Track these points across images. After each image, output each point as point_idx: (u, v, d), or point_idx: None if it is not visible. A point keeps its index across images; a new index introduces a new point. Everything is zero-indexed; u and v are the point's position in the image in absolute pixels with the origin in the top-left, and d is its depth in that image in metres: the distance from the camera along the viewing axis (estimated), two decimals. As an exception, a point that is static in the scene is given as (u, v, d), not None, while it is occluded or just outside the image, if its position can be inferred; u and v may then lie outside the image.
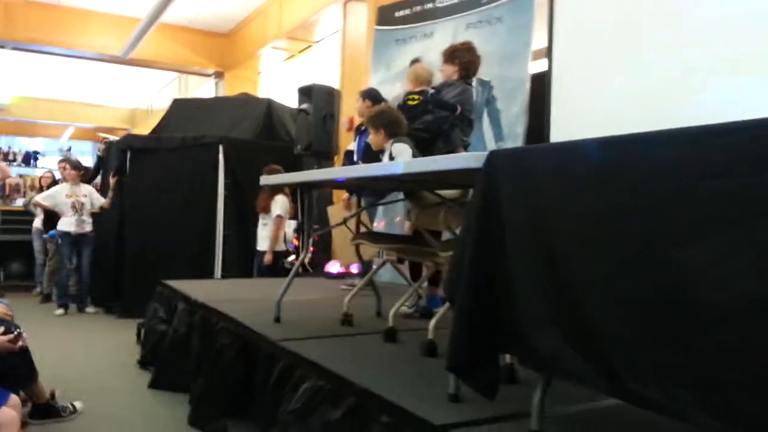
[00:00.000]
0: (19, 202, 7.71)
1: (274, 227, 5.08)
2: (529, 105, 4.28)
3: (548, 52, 4.12)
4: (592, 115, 3.49)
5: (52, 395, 2.85)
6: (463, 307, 1.64)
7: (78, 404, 2.94)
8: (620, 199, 1.32)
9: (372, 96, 4.34)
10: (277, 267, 5.08)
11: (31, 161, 11.39)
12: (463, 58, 3.65)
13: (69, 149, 12.04)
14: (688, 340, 1.15)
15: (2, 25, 8.29)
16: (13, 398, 2.00)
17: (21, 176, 9.29)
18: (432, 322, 2.37)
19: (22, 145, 14.09)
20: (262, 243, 5.20)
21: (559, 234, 1.45)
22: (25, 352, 2.52)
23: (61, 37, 8.70)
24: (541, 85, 4.17)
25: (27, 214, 7.01)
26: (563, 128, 3.61)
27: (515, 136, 4.21)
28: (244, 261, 5.72)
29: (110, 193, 6.06)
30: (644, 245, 1.24)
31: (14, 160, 11.46)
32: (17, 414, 1.94)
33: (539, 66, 4.37)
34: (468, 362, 1.65)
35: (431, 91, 3.60)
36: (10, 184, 8.12)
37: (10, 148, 12.51)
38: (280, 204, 5.08)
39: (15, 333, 2.40)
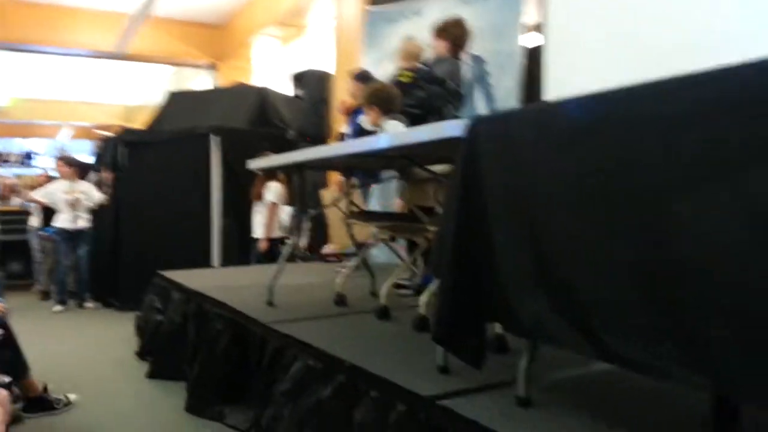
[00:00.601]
0: (16, 202, 7.69)
1: (267, 213, 5.05)
2: (522, 79, 4.21)
3: (541, 25, 4.05)
4: (588, 88, 3.41)
5: (45, 389, 2.83)
6: (447, 277, 1.60)
7: (73, 396, 2.92)
8: (599, 157, 1.27)
9: (363, 77, 4.29)
10: (273, 254, 5.04)
11: (28, 161, 11.38)
12: (453, 32, 3.59)
13: (62, 148, 12.02)
14: (672, 297, 1.10)
15: (-7, 25, 8.25)
16: (0, 392, 1.97)
17: (18, 176, 9.29)
18: (423, 297, 2.33)
19: (18, 146, 14.08)
20: (258, 230, 5.17)
21: (539, 197, 1.40)
22: (14, 346, 2.50)
23: (54, 36, 8.67)
24: (534, 59, 4.10)
25: (24, 214, 6.98)
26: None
27: (508, 110, 4.15)
28: (242, 249, 5.68)
29: (106, 189, 6.04)
30: (625, 203, 1.20)
31: (7, 161, 11.45)
32: (3, 408, 1.91)
33: (531, 40, 4.31)
34: (453, 333, 1.62)
35: (422, 67, 3.54)
36: (5, 184, 8.11)
37: (5, 149, 12.50)
38: (273, 190, 5.05)
39: None
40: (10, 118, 13.47)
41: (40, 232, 6.49)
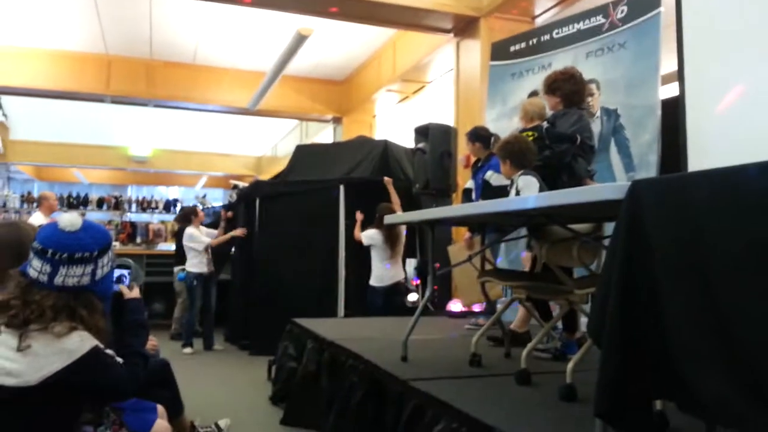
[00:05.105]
0: (161, 246, 8.35)
1: None
2: (661, 132, 4.03)
3: (679, 76, 3.89)
4: (735, 140, 3.22)
5: (192, 425, 2.99)
6: (612, 348, 1.53)
7: (223, 422, 3.08)
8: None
9: (478, 136, 4.27)
10: (389, 302, 5.18)
11: (171, 208, 12.44)
12: (564, 89, 3.45)
13: (204, 196, 12.99)
14: None
15: (145, 85, 9.17)
16: (160, 409, 2.14)
17: (162, 222, 10.11)
18: (570, 365, 2.25)
19: (161, 194, 15.45)
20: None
21: (721, 266, 1.33)
22: (173, 386, 2.68)
23: (195, 93, 9.45)
24: (672, 111, 3.93)
25: (168, 257, 7.57)
26: (703, 156, 3.36)
27: (647, 165, 3.97)
28: (363, 298, 5.79)
29: (221, 230, 6.46)
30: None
31: (156, 207, 12.56)
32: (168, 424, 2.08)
33: (669, 91, 4.14)
34: (618, 407, 1.54)
35: (545, 125, 3.48)
36: (153, 229, 8.87)
37: (152, 196, 13.75)
38: (366, 235, 5.39)
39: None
40: (153, 167, 14.83)
41: (179, 279, 6.93)
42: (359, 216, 5.65)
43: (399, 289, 5.40)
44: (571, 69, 3.62)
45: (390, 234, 5.27)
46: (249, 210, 6.53)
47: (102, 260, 1.76)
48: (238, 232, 6.39)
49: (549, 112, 3.62)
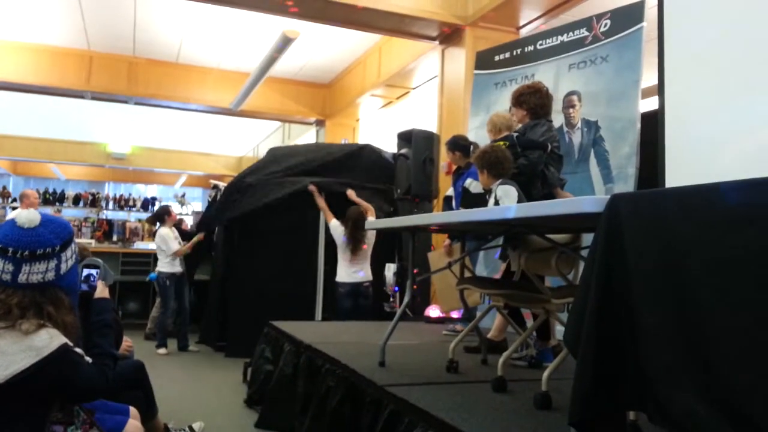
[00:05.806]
0: (137, 245, 8.24)
1: None
2: (640, 145, 4.10)
3: (659, 90, 3.95)
4: (714, 155, 3.28)
5: (166, 427, 2.95)
6: (586, 358, 1.55)
7: (197, 425, 3.04)
8: (763, 244, 1.22)
9: (458, 146, 4.28)
10: (355, 303, 5.17)
11: (149, 207, 12.29)
12: (530, 102, 3.53)
13: (183, 195, 12.86)
14: None
15: (127, 82, 9.07)
16: (133, 410, 2.11)
17: (140, 221, 9.98)
18: (545, 374, 2.26)
19: (140, 192, 15.29)
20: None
21: (694, 281, 1.35)
22: (147, 387, 2.65)
23: (178, 92, 9.37)
24: (651, 125, 3.99)
25: (144, 257, 7.48)
26: (680, 169, 3.41)
27: (626, 177, 4.03)
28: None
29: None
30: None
31: (134, 205, 12.41)
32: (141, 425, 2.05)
33: (649, 104, 4.20)
34: (592, 417, 1.56)
35: (515, 134, 3.52)
36: (129, 228, 8.76)
37: (130, 194, 13.58)
38: (332, 225, 5.36)
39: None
40: (132, 165, 14.67)
41: (148, 278, 6.81)
42: (312, 188, 5.82)
43: (365, 292, 5.32)
44: (537, 83, 3.69)
45: (354, 236, 5.19)
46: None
47: (65, 254, 1.73)
48: (199, 237, 6.47)
49: (517, 125, 3.67)
